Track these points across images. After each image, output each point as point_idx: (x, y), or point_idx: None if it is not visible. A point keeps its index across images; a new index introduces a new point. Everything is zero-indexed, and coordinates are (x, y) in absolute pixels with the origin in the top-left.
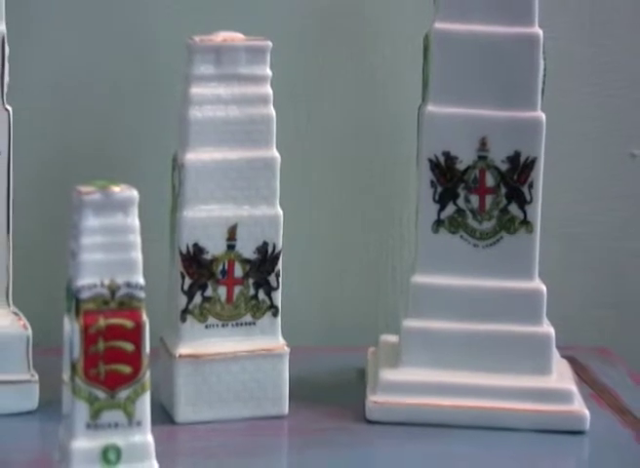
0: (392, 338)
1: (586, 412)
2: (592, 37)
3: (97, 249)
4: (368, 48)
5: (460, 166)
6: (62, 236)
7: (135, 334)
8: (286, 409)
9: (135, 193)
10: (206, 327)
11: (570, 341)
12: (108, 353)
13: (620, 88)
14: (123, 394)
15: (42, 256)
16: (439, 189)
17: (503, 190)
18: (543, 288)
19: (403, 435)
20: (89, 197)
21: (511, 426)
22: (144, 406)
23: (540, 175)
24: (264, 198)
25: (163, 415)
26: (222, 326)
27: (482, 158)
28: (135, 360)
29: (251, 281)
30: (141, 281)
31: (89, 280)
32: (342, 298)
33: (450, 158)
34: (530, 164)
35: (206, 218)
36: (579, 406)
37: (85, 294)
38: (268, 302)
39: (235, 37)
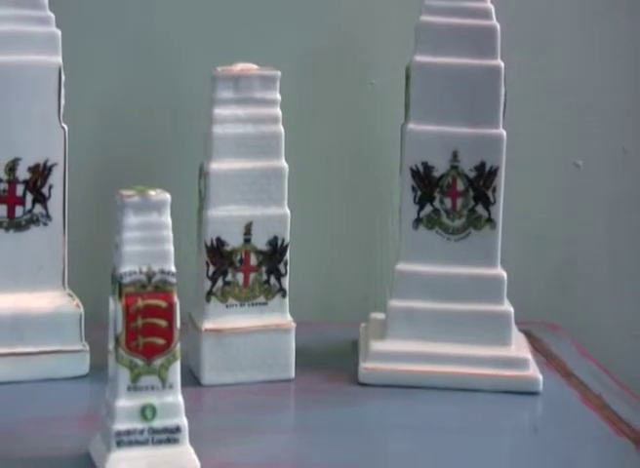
0: (380, 316)
1: (539, 377)
2: (544, 68)
3: (136, 242)
4: (359, 77)
5: (436, 174)
6: (108, 232)
7: (168, 313)
8: (292, 374)
9: (167, 196)
10: (226, 306)
11: (526, 318)
12: (146, 328)
13: (566, 109)
14: (158, 362)
15: (92, 249)
16: (418, 193)
17: (471, 194)
18: (504, 274)
19: (389, 395)
20: (130, 199)
21: (478, 388)
22: (176, 371)
23: (501, 181)
24: (275, 200)
25: (191, 379)
26: (240, 305)
27: (454, 167)
28: (168, 334)
29: (264, 268)
30: (173, 269)
31: (130, 268)
32: (339, 283)
33: (427, 167)
34: (493, 172)
35: (226, 217)
36: (533, 371)
37: (126, 280)
38: (278, 286)
39: (250, 67)
